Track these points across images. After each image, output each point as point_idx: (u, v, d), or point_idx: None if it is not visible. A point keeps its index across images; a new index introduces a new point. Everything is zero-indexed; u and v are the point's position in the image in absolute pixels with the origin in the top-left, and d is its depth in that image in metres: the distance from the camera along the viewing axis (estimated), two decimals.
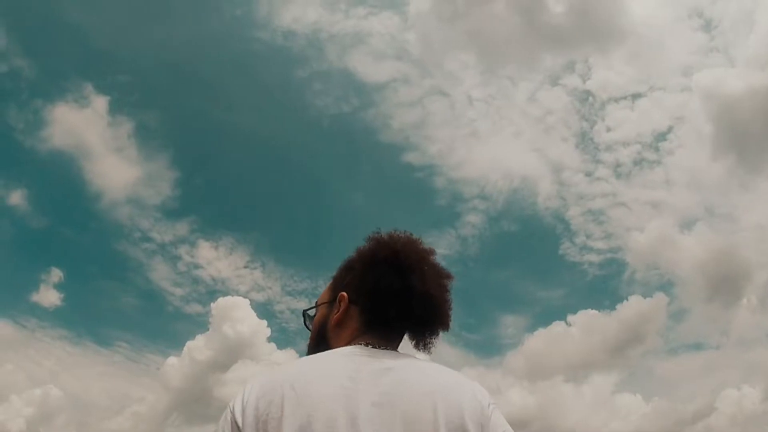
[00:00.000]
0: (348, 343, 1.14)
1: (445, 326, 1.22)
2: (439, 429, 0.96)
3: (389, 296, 1.17)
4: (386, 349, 1.13)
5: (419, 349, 1.22)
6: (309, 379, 1.00)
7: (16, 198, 19.76)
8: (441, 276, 1.22)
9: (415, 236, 1.26)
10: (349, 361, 1.05)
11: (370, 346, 1.12)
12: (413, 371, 1.06)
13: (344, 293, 1.23)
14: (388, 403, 0.98)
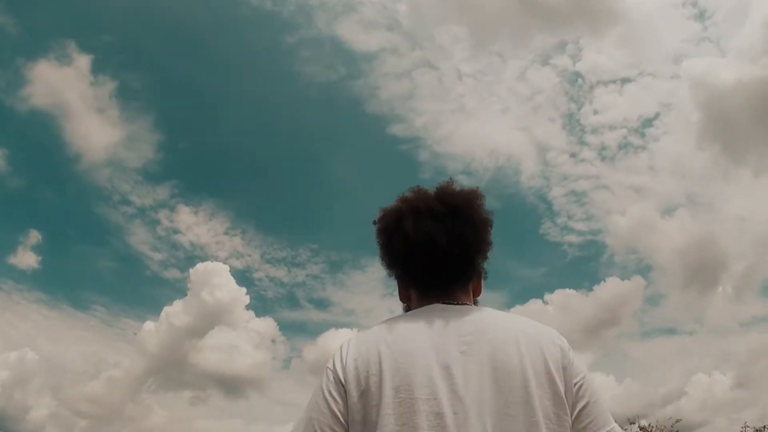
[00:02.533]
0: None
1: (468, 274, 1.21)
2: (526, 372, 1.00)
3: (397, 254, 1.20)
4: (458, 303, 1.15)
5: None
6: (400, 337, 1.05)
7: None
8: (448, 216, 1.16)
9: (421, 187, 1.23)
10: (432, 316, 1.09)
11: (444, 303, 1.14)
12: (492, 320, 1.09)
13: (390, 270, 1.25)
14: (474, 351, 1.02)
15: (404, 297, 1.26)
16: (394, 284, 1.28)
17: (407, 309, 1.24)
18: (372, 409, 0.98)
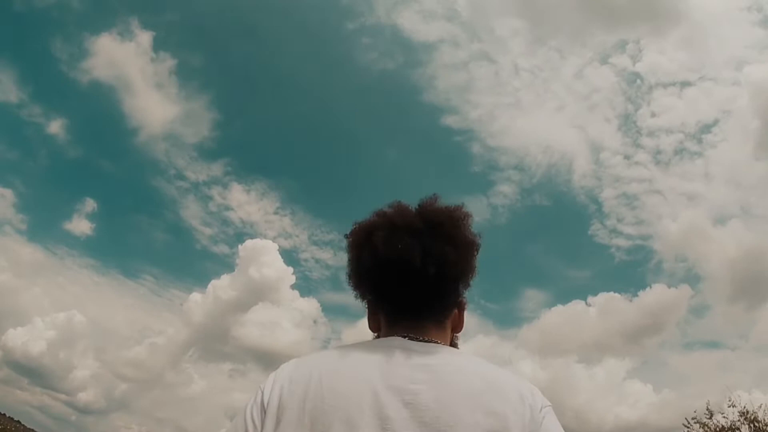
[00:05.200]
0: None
1: (440, 312, 1.07)
2: None
3: (366, 272, 1.08)
4: (425, 341, 1.01)
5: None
6: (340, 372, 0.94)
7: (56, 127, 20.30)
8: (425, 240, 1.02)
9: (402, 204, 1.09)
10: (383, 355, 0.96)
11: (407, 338, 1.01)
12: (452, 368, 0.94)
13: (360, 295, 1.13)
14: (421, 404, 0.88)
15: (373, 326, 1.13)
16: None
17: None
18: None
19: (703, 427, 15.43)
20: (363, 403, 0.88)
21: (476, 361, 0.98)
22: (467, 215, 1.07)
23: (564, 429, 0.92)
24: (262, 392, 0.95)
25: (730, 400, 15.59)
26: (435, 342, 1.01)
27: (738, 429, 14.80)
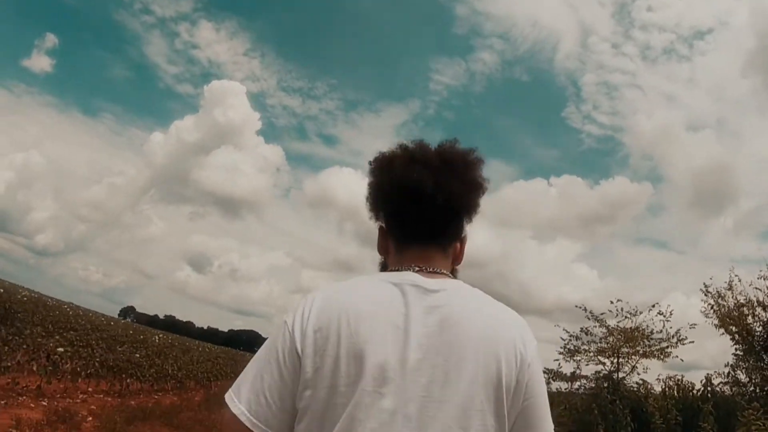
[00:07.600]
0: (396, 268, 1.15)
1: (450, 235, 1.19)
2: (475, 386, 0.97)
3: (383, 196, 1.20)
4: (432, 272, 1.12)
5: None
6: (363, 313, 1.02)
7: None
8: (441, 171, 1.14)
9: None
10: (400, 293, 1.05)
11: (417, 270, 1.12)
12: (459, 309, 1.04)
13: (375, 216, 1.23)
14: (431, 347, 0.99)
15: (382, 249, 1.25)
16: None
17: (383, 263, 1.26)
18: (321, 391, 0.97)
19: (719, 299, 13.71)
20: (389, 348, 0.98)
21: (480, 300, 1.09)
22: (480, 160, 1.20)
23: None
24: (291, 336, 1.02)
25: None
26: (442, 273, 1.14)
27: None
